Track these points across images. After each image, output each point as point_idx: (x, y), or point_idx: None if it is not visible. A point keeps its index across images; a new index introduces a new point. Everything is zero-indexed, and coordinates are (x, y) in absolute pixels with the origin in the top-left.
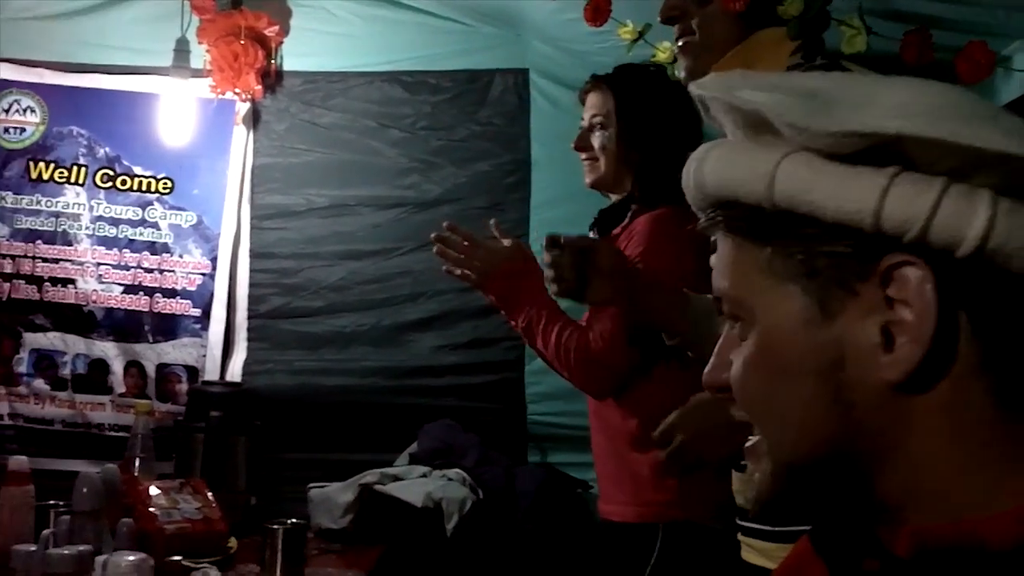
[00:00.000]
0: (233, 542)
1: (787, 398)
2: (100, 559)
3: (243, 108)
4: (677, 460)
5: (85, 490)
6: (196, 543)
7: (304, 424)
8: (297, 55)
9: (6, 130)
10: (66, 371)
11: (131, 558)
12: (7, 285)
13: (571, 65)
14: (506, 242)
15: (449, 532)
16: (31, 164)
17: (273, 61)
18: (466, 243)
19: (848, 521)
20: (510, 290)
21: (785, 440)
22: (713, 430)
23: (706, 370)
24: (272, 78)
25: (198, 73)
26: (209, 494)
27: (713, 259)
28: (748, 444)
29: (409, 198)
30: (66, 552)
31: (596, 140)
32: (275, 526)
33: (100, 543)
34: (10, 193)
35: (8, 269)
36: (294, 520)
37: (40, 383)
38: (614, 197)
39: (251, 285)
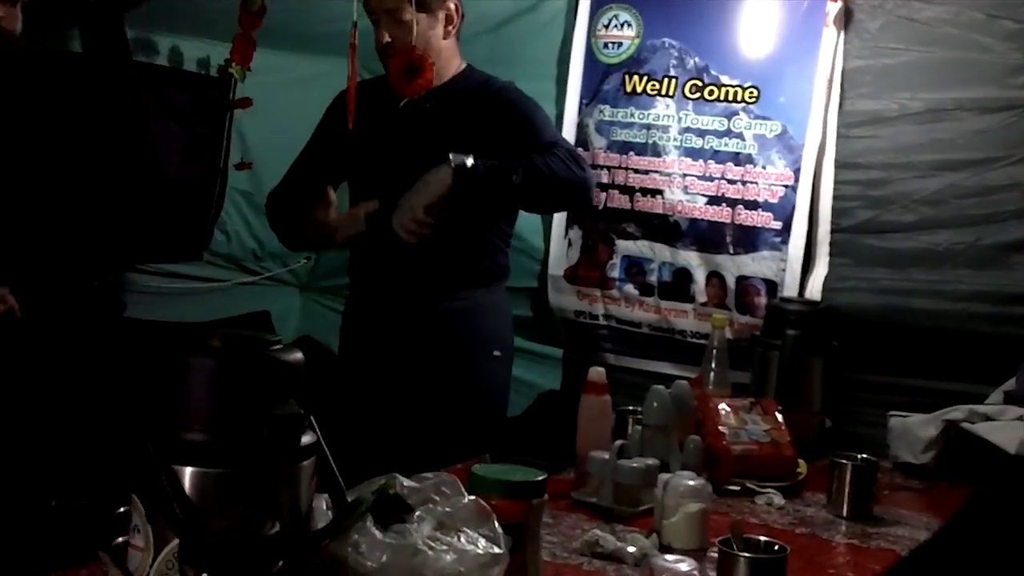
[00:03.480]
0: (803, 467)
1: None
2: (663, 477)
3: (834, 8)
4: None
5: (655, 405)
6: (762, 466)
7: (887, 347)
8: None
9: (605, 45)
10: (653, 278)
11: (691, 482)
12: (603, 195)
13: None
14: None
15: None
16: (626, 78)
17: None
18: None
19: None
20: None
21: None
22: None
23: None
24: None
25: None
26: (779, 416)
27: None
28: None
29: (1022, 100)
30: (634, 465)
31: None
32: (844, 461)
33: (668, 456)
34: (607, 106)
35: (605, 179)
36: (865, 456)
37: (630, 288)
38: None
39: (835, 197)
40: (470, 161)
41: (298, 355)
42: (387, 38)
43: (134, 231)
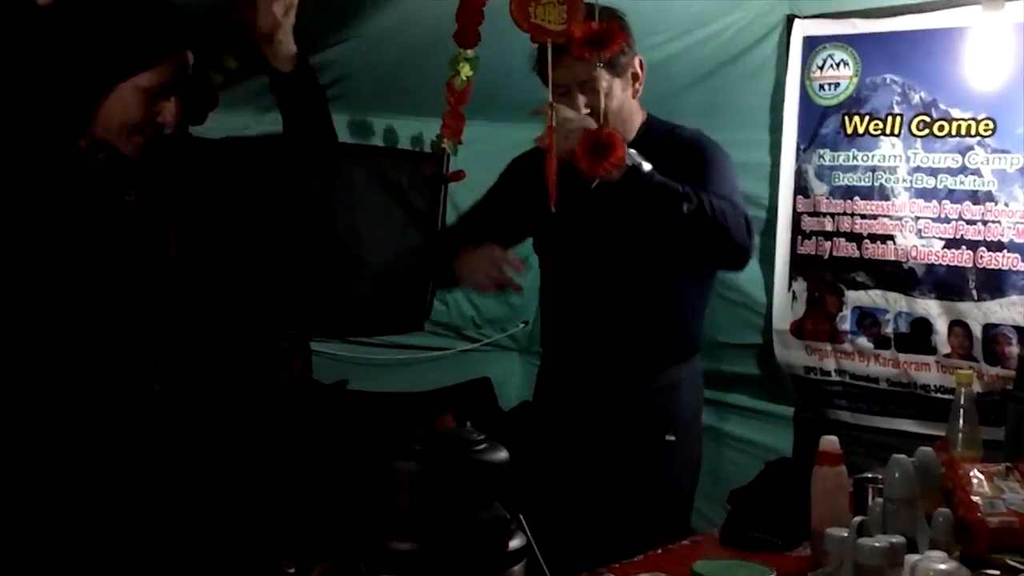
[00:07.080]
0: None
1: None
2: (910, 560)
3: None
4: None
5: (897, 475)
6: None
7: None
8: None
9: (821, 87)
10: (888, 329)
11: (943, 566)
12: (828, 243)
13: None
14: None
15: None
16: (846, 119)
17: None
18: None
19: None
20: None
21: None
22: None
23: None
24: None
25: None
26: None
27: None
28: None
29: None
30: (877, 544)
31: None
32: None
33: (915, 532)
34: (827, 150)
35: (829, 227)
36: None
37: (863, 341)
38: None
39: None
40: (647, 166)
41: (502, 454)
42: (584, 109)
43: (358, 306)
